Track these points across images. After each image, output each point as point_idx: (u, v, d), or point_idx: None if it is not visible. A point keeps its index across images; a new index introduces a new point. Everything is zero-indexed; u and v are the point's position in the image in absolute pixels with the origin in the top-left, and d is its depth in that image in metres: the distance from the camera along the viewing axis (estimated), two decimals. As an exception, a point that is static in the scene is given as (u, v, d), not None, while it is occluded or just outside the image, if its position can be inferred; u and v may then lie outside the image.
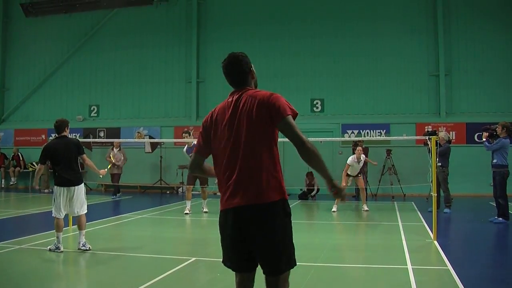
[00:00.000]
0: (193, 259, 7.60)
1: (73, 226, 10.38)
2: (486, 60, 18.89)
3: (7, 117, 23.99)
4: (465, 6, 19.15)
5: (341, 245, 9.46)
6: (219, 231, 3.62)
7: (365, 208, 13.93)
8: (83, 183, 8.40)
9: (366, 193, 17.40)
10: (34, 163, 21.41)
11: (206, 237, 10.04)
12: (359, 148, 14.13)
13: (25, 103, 23.71)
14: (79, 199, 8.23)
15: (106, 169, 9.77)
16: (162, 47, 21.86)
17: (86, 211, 8.43)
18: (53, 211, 8.08)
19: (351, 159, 13.99)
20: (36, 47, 23.55)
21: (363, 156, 14.16)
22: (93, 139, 20.38)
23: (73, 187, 8.10)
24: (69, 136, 8.56)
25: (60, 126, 8.30)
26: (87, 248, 8.01)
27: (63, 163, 8.09)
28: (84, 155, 8.41)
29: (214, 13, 21.45)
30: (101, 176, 8.97)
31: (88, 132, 21.42)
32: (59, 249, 7.88)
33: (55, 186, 8.14)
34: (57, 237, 7.94)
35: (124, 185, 20.58)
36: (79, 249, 8.00)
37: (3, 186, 21.90)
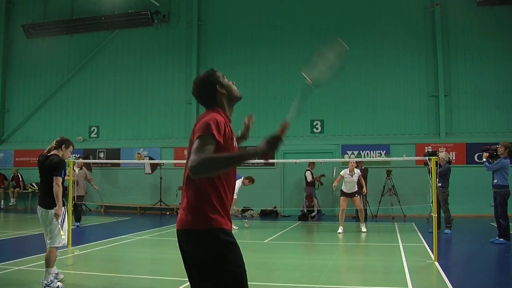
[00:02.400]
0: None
1: (72, 248, 10.36)
2: (485, 80, 18.99)
3: (7, 138, 24.00)
4: (464, 28, 19.31)
5: (342, 266, 9.41)
6: (238, 253, 3.24)
7: (363, 229, 13.86)
8: (52, 210, 7.23)
9: (366, 214, 17.40)
10: (33, 184, 21.41)
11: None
12: (352, 161, 14.25)
13: (25, 124, 23.75)
14: (48, 224, 7.25)
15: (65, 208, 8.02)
16: (162, 68, 21.95)
17: (57, 244, 7.24)
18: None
19: (344, 171, 14.07)
20: (37, 68, 23.67)
21: (357, 171, 14.16)
22: (93, 160, 20.38)
23: (40, 208, 7.33)
24: (59, 156, 7.49)
25: (59, 142, 7.57)
26: None
27: (41, 182, 7.51)
28: (57, 178, 7.23)
29: (214, 34, 21.60)
30: (55, 212, 7.31)
31: (88, 153, 21.39)
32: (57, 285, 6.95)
33: None
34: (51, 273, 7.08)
35: (124, 206, 20.59)
36: None
37: (2, 207, 21.83)
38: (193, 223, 3.17)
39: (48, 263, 7.04)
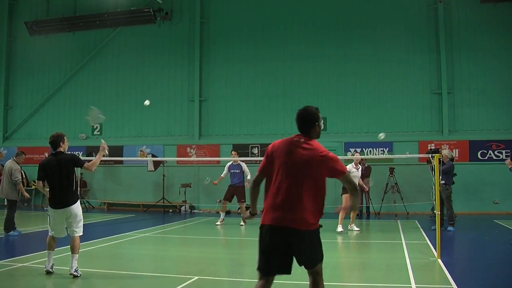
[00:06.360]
0: (196, 278, 7.53)
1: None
2: (488, 78, 18.94)
3: (11, 135, 24.03)
4: (467, 25, 19.27)
5: (344, 263, 9.40)
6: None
7: (355, 228, 13.63)
8: (78, 201, 7.72)
9: (369, 211, 17.41)
10: (36, 181, 21.44)
11: (209, 256, 9.96)
12: (357, 155, 14.23)
13: (29, 121, 23.77)
14: (76, 219, 7.56)
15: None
16: (165, 66, 21.94)
17: (81, 233, 7.71)
18: (49, 229, 7.72)
19: (350, 165, 13.83)
20: (40, 65, 23.68)
21: (359, 165, 14.14)
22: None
23: (68, 208, 7.49)
24: (66, 152, 7.83)
25: (55, 141, 7.69)
26: (78, 275, 7.36)
27: (57, 183, 7.55)
28: (85, 164, 7.65)
29: (216, 32, 21.58)
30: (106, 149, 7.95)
31: (91, 151, 21.40)
32: (49, 270, 7.43)
33: (49, 206, 7.64)
34: (48, 256, 7.54)
35: (127, 204, 20.62)
36: (70, 274, 7.33)
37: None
38: (313, 225, 4.81)
39: (75, 250, 7.47)
